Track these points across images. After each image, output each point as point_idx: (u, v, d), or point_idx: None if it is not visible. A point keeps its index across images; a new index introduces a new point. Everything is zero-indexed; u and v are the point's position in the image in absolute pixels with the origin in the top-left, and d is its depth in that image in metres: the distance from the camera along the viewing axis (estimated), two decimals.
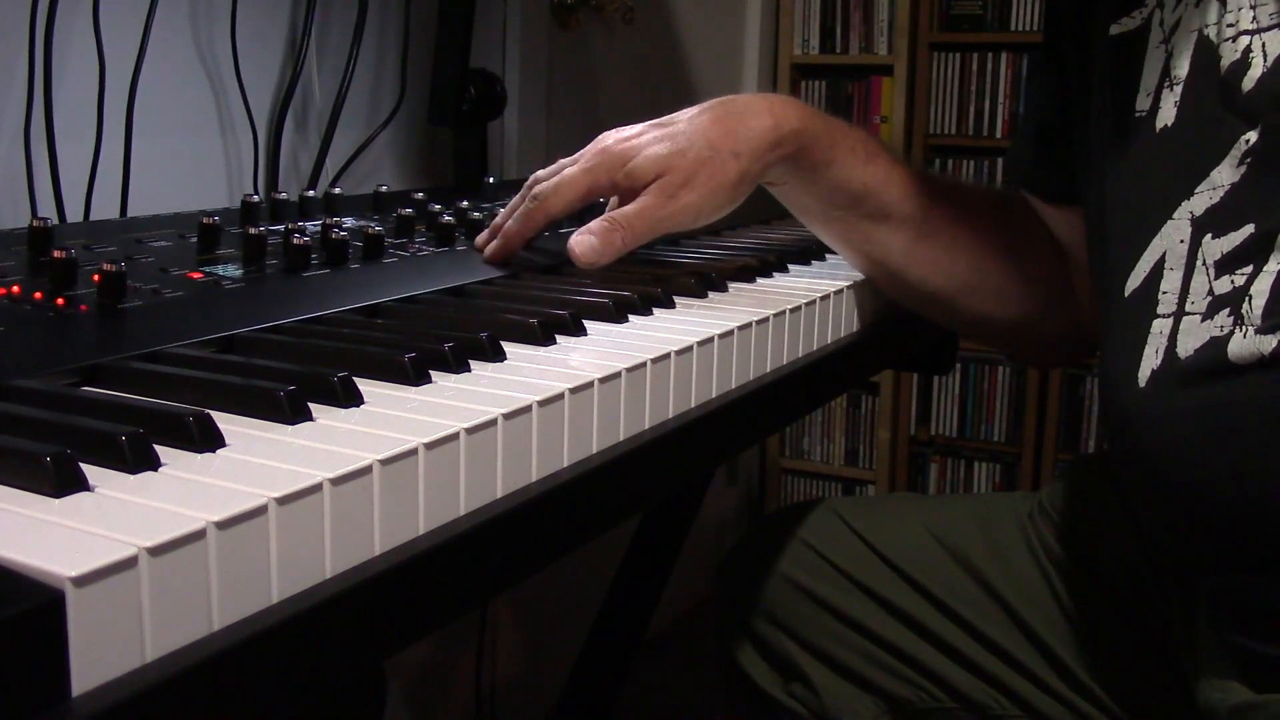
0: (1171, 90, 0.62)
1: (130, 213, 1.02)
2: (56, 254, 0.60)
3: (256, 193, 1.13)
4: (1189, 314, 0.58)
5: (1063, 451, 2.35)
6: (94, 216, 0.99)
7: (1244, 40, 0.58)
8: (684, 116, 0.77)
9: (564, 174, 0.77)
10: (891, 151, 0.81)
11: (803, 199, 0.81)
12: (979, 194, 0.88)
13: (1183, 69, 0.61)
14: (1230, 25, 0.59)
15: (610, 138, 0.77)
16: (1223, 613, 0.63)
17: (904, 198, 0.80)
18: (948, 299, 0.84)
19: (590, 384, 0.53)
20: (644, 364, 0.57)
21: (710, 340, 0.62)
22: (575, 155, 0.79)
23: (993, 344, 0.87)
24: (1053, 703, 0.84)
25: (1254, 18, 0.58)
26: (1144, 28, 0.64)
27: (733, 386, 0.65)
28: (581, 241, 0.73)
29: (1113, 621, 0.83)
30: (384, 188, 0.97)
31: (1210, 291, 0.58)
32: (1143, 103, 0.64)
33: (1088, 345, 0.88)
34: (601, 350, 0.59)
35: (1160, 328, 0.60)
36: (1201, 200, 0.59)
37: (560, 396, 0.51)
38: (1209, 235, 0.58)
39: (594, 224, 0.74)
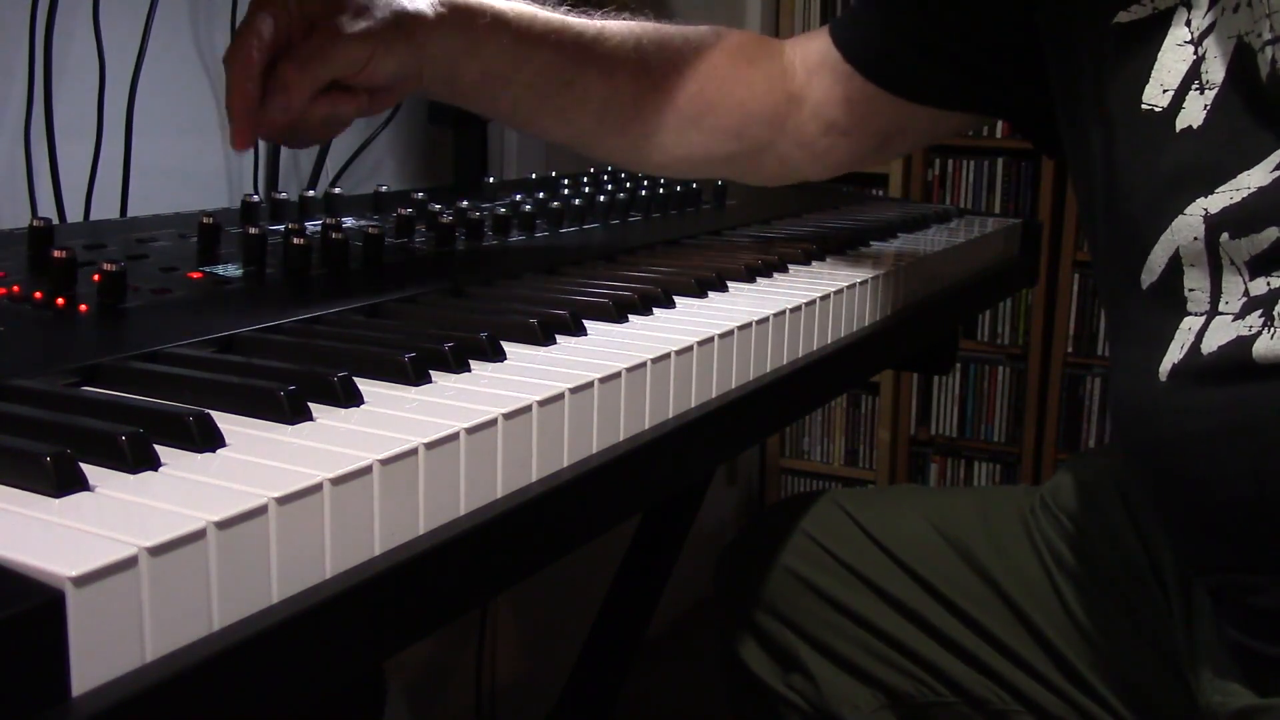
0: (1202, 94, 0.60)
1: (130, 213, 1.01)
2: (56, 254, 0.60)
3: (256, 193, 1.13)
4: (1222, 314, 0.58)
5: (1062, 451, 2.35)
6: (94, 216, 0.99)
7: (1269, 51, 0.57)
8: None
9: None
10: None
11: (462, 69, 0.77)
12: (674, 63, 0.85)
13: (1218, 74, 0.59)
14: (1257, 35, 0.58)
15: None
16: (1226, 612, 0.63)
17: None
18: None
19: (590, 384, 0.53)
20: (644, 364, 0.57)
21: (710, 340, 0.62)
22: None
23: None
24: (1053, 698, 0.84)
25: (1270, 26, 0.57)
26: (1156, 19, 0.62)
27: (733, 386, 0.65)
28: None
29: (1114, 617, 0.83)
30: (384, 188, 0.97)
31: (1246, 293, 0.57)
32: (1155, 97, 0.62)
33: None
34: (601, 350, 0.59)
35: (1190, 324, 0.59)
36: (1219, 199, 0.58)
37: (560, 396, 0.51)
38: (1225, 234, 0.57)
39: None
